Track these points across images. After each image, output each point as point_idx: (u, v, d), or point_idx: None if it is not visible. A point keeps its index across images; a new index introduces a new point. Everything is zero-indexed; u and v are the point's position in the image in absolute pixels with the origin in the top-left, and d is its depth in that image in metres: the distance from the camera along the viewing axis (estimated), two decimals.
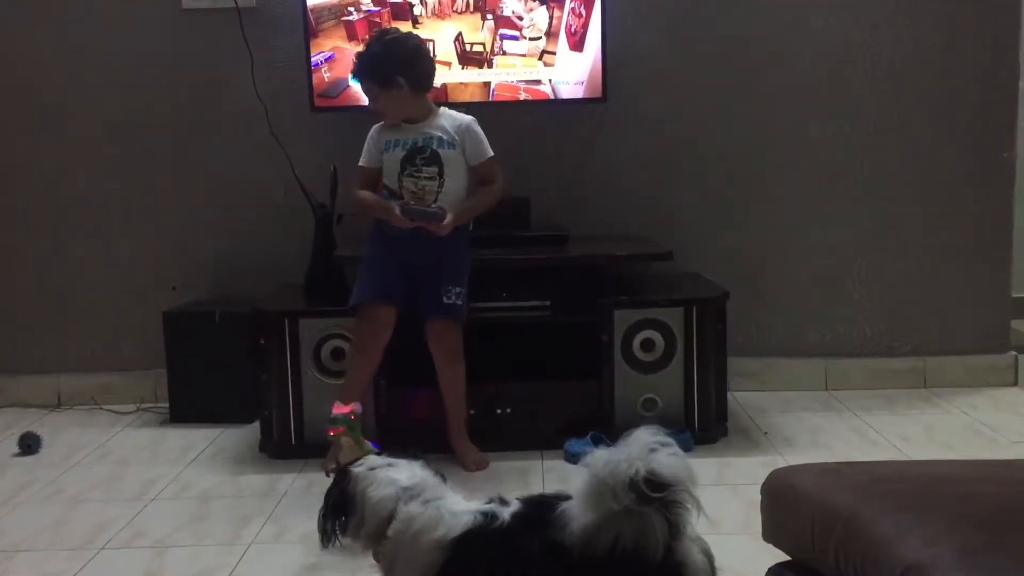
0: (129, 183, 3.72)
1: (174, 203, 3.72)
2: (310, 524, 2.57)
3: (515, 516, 1.60)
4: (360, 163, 3.05)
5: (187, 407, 3.51)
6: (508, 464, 2.97)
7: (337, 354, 3.08)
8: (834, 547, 1.41)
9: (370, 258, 3.02)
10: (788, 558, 1.63)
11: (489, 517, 1.61)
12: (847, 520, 1.41)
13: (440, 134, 2.98)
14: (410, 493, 1.70)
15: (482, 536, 1.59)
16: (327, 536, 1.77)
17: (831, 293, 3.72)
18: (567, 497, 1.52)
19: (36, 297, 3.79)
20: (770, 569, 1.70)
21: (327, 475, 2.37)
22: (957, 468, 1.69)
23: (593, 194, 3.63)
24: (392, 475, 1.73)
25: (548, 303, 3.21)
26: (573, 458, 2.95)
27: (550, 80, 3.42)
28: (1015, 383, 3.70)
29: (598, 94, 3.42)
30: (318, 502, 1.83)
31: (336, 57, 3.41)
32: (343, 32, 3.40)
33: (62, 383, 3.77)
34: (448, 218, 2.89)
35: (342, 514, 1.75)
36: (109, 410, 3.66)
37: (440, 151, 2.97)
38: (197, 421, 3.46)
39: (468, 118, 3.02)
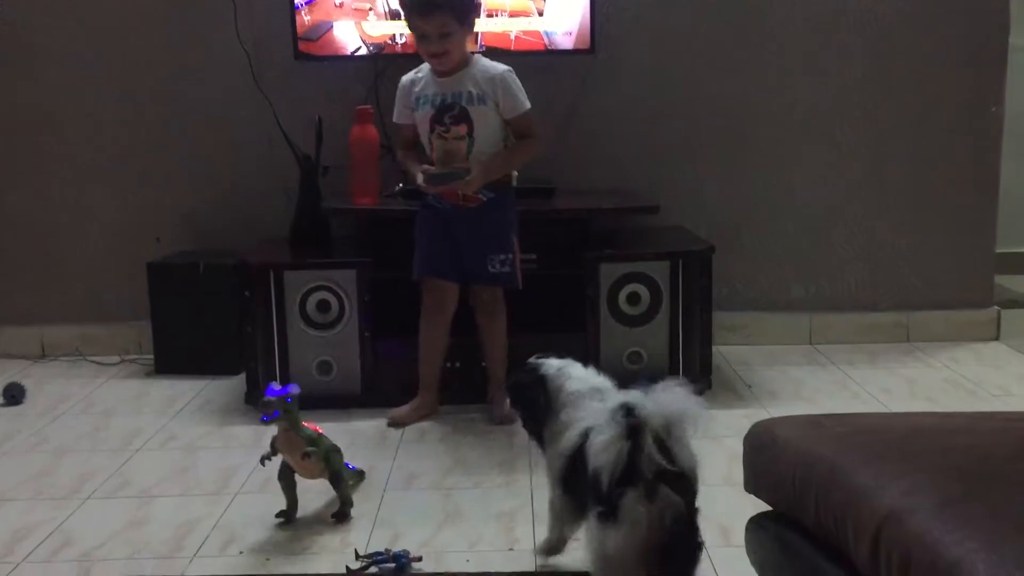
0: (111, 133, 3.68)
1: (157, 154, 3.68)
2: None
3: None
4: (394, 119, 2.97)
5: (172, 359, 3.50)
6: None
7: (323, 306, 3.07)
8: (814, 497, 1.43)
9: (419, 231, 2.96)
10: (769, 508, 1.65)
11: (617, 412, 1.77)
12: (828, 471, 1.42)
13: (471, 88, 2.81)
14: (598, 393, 1.93)
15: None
16: (532, 434, 2.03)
17: (816, 247, 3.72)
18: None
19: (18, 248, 3.76)
20: (751, 519, 1.72)
21: (262, 464, 2.29)
22: (937, 420, 1.70)
23: (580, 147, 3.61)
24: (587, 375, 1.99)
25: (534, 256, 3.20)
26: None
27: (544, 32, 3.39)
28: (997, 338, 3.73)
29: (586, 46, 3.39)
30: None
31: (316, 0, 3.37)
32: None
33: (46, 334, 3.75)
34: (474, 172, 2.76)
35: (533, 408, 2.00)
36: (93, 361, 3.66)
37: (469, 108, 2.81)
38: (182, 373, 3.46)
39: (502, 67, 2.86)
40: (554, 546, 2.08)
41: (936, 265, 3.73)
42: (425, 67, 2.89)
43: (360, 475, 2.52)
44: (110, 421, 3.07)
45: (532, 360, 2.10)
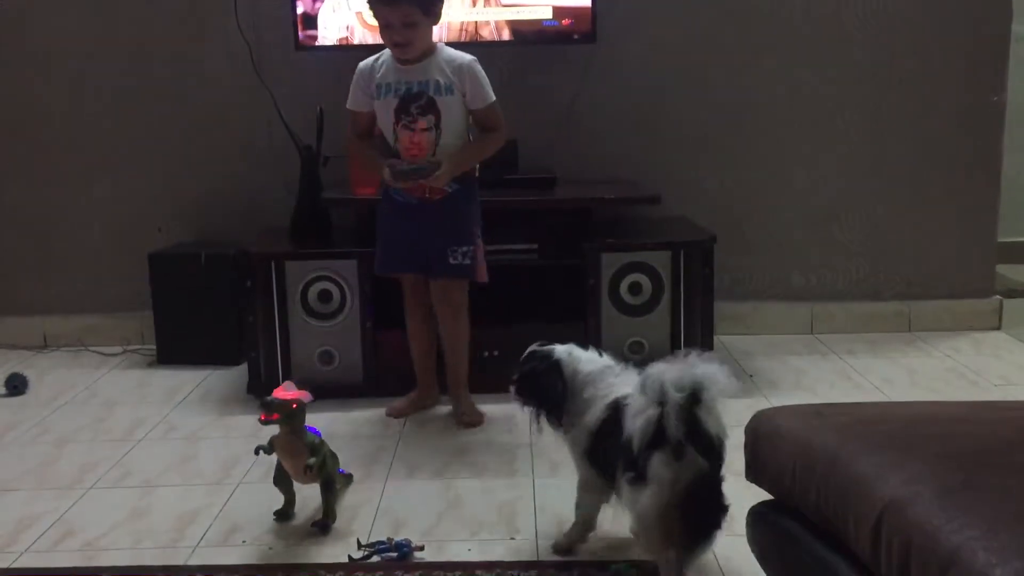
0: (112, 124, 3.67)
1: (158, 144, 3.68)
2: None
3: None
4: (348, 105, 2.83)
5: (174, 349, 3.51)
6: (495, 407, 2.98)
7: (324, 296, 3.07)
8: (815, 486, 1.43)
9: (381, 225, 2.89)
10: (770, 497, 1.65)
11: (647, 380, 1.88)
12: (828, 460, 1.42)
13: (438, 77, 2.71)
14: (612, 371, 2.03)
15: (624, 403, 1.91)
16: (554, 419, 2.06)
17: (818, 237, 3.72)
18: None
19: (20, 239, 3.76)
20: (752, 508, 1.72)
21: (256, 454, 2.24)
22: (938, 409, 1.70)
23: (581, 137, 3.60)
24: (598, 357, 2.07)
25: (535, 246, 3.20)
26: None
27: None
28: (999, 327, 3.73)
29: (588, 32, 3.38)
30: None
31: None
32: None
33: (47, 324, 3.76)
34: (442, 167, 2.68)
35: (552, 393, 2.04)
36: (95, 351, 3.66)
37: (437, 98, 2.70)
38: (184, 363, 3.46)
39: (468, 57, 2.76)
40: (577, 539, 2.11)
41: (938, 254, 3.73)
42: (386, 53, 2.77)
43: (349, 479, 2.44)
44: (112, 411, 3.07)
45: (536, 347, 2.12)
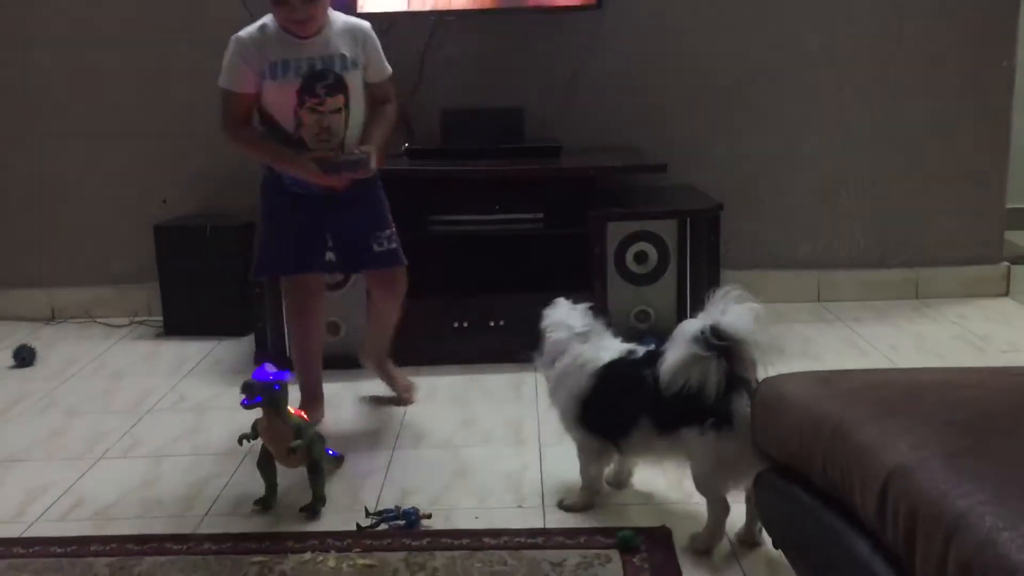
0: (116, 97, 3.66)
1: (162, 117, 3.67)
2: None
3: (647, 353, 2.03)
4: (225, 85, 2.41)
5: (181, 320, 3.52)
6: (501, 376, 2.99)
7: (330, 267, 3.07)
8: (821, 452, 1.43)
9: (272, 219, 2.54)
10: (777, 463, 1.65)
11: (629, 353, 2.08)
12: (835, 426, 1.42)
13: (343, 50, 2.41)
14: (581, 336, 2.12)
15: (619, 366, 2.06)
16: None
17: (825, 205, 3.70)
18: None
19: (27, 212, 3.76)
20: (759, 474, 1.73)
21: (239, 443, 2.19)
22: (945, 376, 1.70)
23: (587, 105, 3.58)
24: (568, 321, 2.15)
25: (541, 215, 3.19)
26: None
27: None
28: (1006, 293, 3.71)
29: (593, 1, 3.35)
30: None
31: None
32: None
33: (55, 297, 3.77)
34: (374, 154, 2.43)
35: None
36: (103, 323, 3.67)
37: (344, 74, 2.41)
38: (191, 334, 3.47)
39: (365, 24, 2.48)
40: (585, 502, 2.16)
41: (946, 221, 3.71)
42: (269, 22, 2.41)
43: (339, 461, 2.39)
44: (120, 382, 3.08)
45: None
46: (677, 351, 1.87)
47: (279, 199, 2.53)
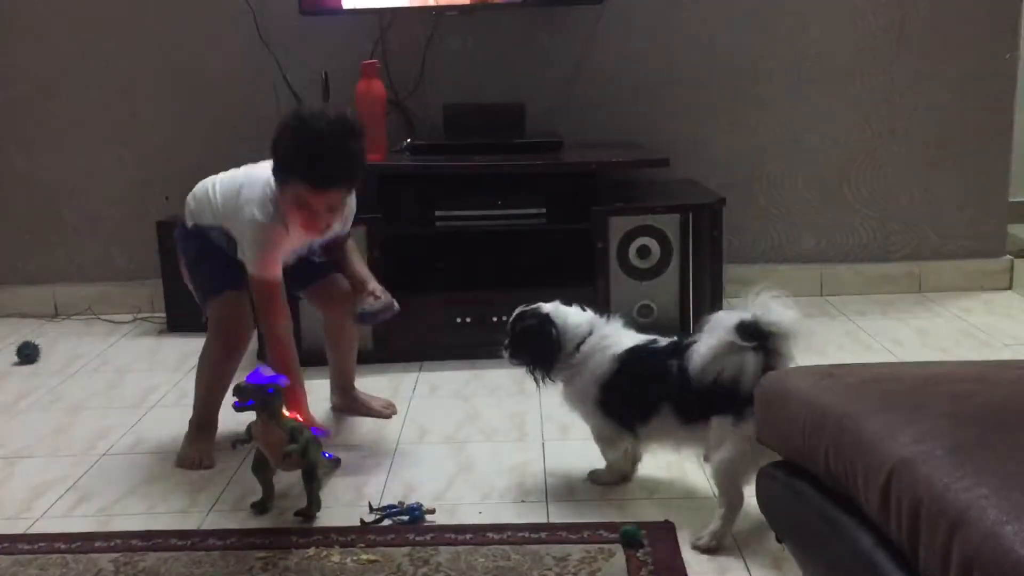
0: (118, 92, 3.66)
1: (164, 112, 3.67)
2: None
3: (669, 343, 2.09)
4: (273, 277, 2.28)
5: (184, 316, 3.51)
6: (504, 371, 2.98)
7: None
8: (825, 446, 1.43)
9: (203, 257, 2.44)
10: (780, 458, 1.65)
11: (651, 342, 2.12)
12: (838, 420, 1.42)
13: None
14: (599, 322, 2.17)
15: (642, 352, 2.10)
16: (544, 373, 2.18)
17: (827, 198, 3.70)
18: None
19: (30, 209, 3.76)
20: (762, 468, 1.72)
21: (232, 448, 2.18)
22: (948, 369, 1.70)
23: (588, 100, 3.57)
24: (573, 310, 2.19)
25: (543, 210, 3.19)
26: None
27: None
28: (1010, 287, 3.71)
29: None
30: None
31: None
32: None
33: (58, 293, 3.77)
34: (387, 296, 2.43)
35: (546, 347, 2.14)
36: (106, 320, 3.68)
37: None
38: (194, 330, 3.44)
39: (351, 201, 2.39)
40: (616, 474, 2.23)
41: (949, 214, 3.70)
42: (279, 207, 2.26)
43: (336, 463, 2.35)
44: (124, 379, 3.09)
45: (523, 308, 2.23)
46: (713, 339, 1.91)
47: (203, 241, 2.43)
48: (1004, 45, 3.58)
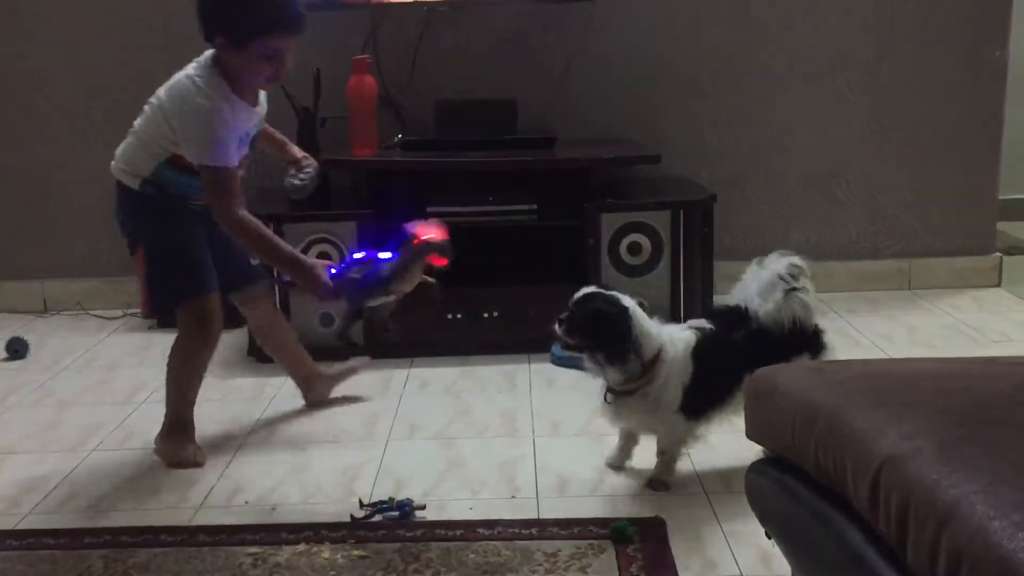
0: (106, 88, 3.64)
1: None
2: (299, 426, 2.62)
3: (715, 325, 2.18)
4: (223, 163, 2.20)
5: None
6: (495, 368, 2.99)
7: (323, 258, 3.05)
8: (814, 442, 1.43)
9: (179, 236, 2.36)
10: (770, 455, 1.66)
11: (702, 331, 2.17)
12: (828, 416, 1.43)
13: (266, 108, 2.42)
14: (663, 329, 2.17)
15: (706, 342, 2.15)
16: (620, 360, 2.08)
17: (817, 195, 3.71)
18: (740, 307, 2.21)
19: (18, 204, 3.75)
20: (752, 465, 1.72)
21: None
22: (938, 366, 1.70)
23: (580, 96, 3.58)
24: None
25: (534, 206, 3.19)
26: (559, 361, 2.97)
27: None
28: (999, 284, 3.72)
29: None
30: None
31: None
32: None
33: (48, 289, 3.76)
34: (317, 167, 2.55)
35: (619, 340, 2.08)
36: (96, 315, 3.66)
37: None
38: None
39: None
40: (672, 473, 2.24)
41: (938, 212, 3.71)
42: (222, 87, 2.25)
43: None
44: (114, 374, 3.08)
45: (593, 290, 2.15)
46: (766, 274, 2.16)
47: (178, 216, 2.36)
48: (994, 42, 3.59)
